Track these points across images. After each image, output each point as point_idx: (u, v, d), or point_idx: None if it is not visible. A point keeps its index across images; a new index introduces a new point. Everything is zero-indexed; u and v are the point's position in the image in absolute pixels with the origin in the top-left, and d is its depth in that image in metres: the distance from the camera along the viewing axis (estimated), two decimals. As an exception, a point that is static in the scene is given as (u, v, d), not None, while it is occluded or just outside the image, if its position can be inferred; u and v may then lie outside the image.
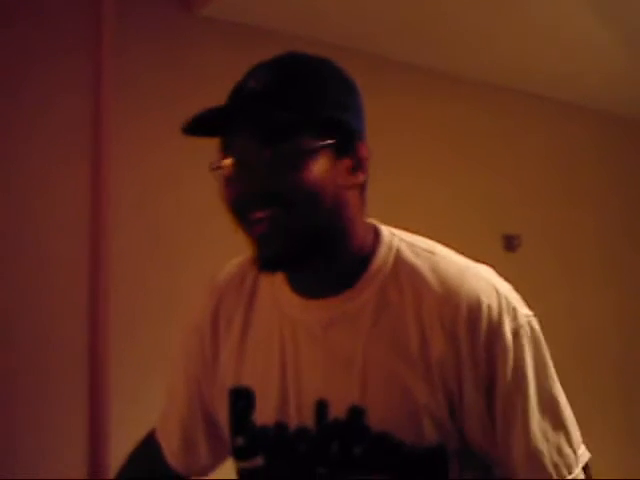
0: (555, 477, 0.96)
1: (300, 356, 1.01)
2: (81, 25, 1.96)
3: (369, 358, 0.97)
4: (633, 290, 3.75)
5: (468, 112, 3.22)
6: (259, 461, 1.04)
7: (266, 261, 0.96)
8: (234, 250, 1.09)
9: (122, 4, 1.84)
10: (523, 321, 0.97)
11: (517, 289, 1.02)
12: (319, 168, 0.94)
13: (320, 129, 0.94)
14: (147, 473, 1.20)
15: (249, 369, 1.05)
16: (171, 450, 1.17)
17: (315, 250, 0.97)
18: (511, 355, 0.95)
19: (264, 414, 1.03)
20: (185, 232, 2.44)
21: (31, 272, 2.19)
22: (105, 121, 1.71)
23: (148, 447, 1.20)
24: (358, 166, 0.98)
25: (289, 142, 0.93)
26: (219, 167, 0.97)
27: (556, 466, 0.96)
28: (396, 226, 1.06)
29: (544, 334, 0.99)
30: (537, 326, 0.99)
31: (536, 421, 0.96)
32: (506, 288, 1.00)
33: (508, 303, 0.97)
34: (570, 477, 0.97)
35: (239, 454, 1.07)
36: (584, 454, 1.00)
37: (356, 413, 0.97)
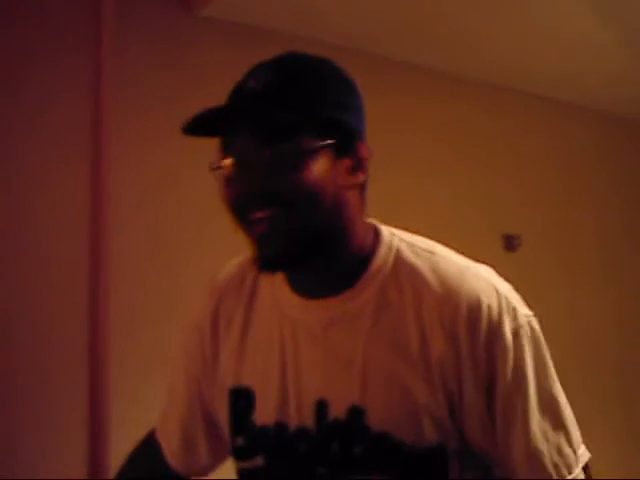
0: (555, 477, 0.96)
1: (300, 356, 1.01)
2: (81, 25, 1.96)
3: (369, 358, 0.97)
4: (633, 290, 3.74)
5: (468, 112, 3.22)
6: (259, 461, 1.04)
7: (266, 261, 0.96)
8: (234, 250, 1.09)
9: (122, 4, 1.84)
10: (523, 321, 0.97)
11: (517, 289, 1.02)
12: (319, 168, 0.94)
13: (320, 129, 0.94)
14: (147, 473, 1.20)
15: (249, 369, 1.05)
16: (171, 450, 1.17)
17: (315, 250, 0.97)
18: (511, 355, 0.95)
19: (264, 414, 1.03)
20: (185, 232, 2.44)
21: (31, 272, 2.19)
22: (105, 121, 1.71)
23: (148, 447, 1.20)
24: (358, 166, 0.98)
25: (289, 142, 0.93)
26: (219, 167, 0.97)
27: (556, 466, 0.96)
28: (396, 226, 1.06)
29: (544, 334, 0.99)
30: (537, 326, 0.99)
31: (536, 421, 0.96)
32: (506, 288, 1.00)
33: (508, 303, 0.97)
34: (570, 477, 0.97)
35: (239, 454, 1.07)
36: (584, 454, 1.00)
37: (356, 413, 0.97)
